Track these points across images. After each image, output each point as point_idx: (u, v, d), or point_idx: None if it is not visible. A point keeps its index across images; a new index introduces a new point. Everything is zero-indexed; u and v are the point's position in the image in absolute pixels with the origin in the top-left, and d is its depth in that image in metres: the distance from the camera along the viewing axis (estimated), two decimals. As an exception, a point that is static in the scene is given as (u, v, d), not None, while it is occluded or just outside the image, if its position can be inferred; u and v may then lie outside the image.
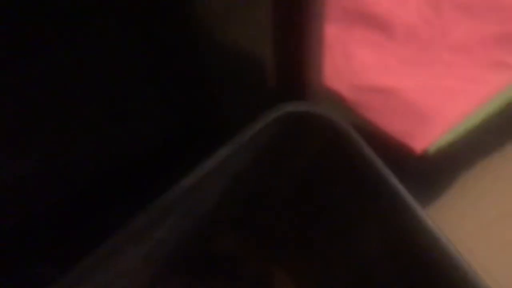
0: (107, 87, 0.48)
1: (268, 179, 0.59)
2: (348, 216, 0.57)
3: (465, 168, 0.73)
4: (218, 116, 0.57)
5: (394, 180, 0.52)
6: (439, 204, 0.71)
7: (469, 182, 0.72)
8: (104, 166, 0.54)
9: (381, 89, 0.72)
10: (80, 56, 0.43)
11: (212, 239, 0.68)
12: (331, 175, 0.56)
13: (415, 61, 0.75)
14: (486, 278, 0.48)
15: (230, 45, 0.50)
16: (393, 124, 0.69)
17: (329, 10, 0.49)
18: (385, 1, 0.78)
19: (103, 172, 0.54)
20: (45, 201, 0.51)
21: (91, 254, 0.47)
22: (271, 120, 0.50)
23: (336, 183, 0.56)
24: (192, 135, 0.57)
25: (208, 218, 0.58)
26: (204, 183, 0.51)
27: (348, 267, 0.61)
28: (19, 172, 0.48)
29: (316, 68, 0.51)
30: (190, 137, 0.57)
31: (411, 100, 0.70)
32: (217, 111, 0.57)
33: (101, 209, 0.54)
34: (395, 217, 0.52)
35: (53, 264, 0.50)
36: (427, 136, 0.67)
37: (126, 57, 0.47)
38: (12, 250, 0.50)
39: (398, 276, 0.55)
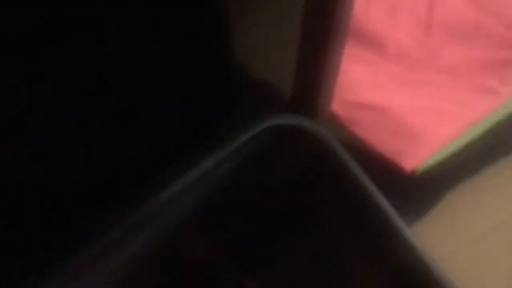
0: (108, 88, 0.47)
1: (248, 191, 0.58)
2: (327, 227, 0.57)
3: (450, 188, 0.74)
4: (214, 128, 0.56)
5: (378, 194, 0.52)
6: (426, 221, 0.72)
7: (453, 202, 0.73)
8: (81, 177, 0.52)
9: (371, 106, 0.72)
10: (91, 53, 0.42)
11: (186, 249, 0.67)
12: (313, 187, 0.56)
13: (405, 81, 0.76)
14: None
15: (253, 58, 0.49)
16: (384, 143, 0.69)
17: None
18: (378, 20, 0.79)
19: (81, 184, 0.52)
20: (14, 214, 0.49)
21: (61, 269, 0.46)
22: (258, 132, 0.50)
23: (317, 196, 0.56)
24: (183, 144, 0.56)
25: (183, 229, 0.57)
26: (183, 196, 0.50)
27: (324, 280, 0.61)
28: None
29: (329, 91, 0.52)
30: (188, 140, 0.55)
31: (402, 119, 0.71)
32: (215, 122, 0.56)
33: (73, 225, 0.52)
34: (374, 229, 0.52)
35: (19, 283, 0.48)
36: (417, 155, 0.68)
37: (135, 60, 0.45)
38: None
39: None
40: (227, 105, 0.52)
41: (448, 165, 0.70)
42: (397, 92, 0.75)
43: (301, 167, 0.55)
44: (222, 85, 0.51)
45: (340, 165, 0.50)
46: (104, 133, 0.50)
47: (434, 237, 0.71)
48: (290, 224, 0.61)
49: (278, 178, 0.57)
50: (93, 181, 0.51)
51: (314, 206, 0.57)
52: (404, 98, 0.74)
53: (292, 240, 0.62)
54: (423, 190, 0.71)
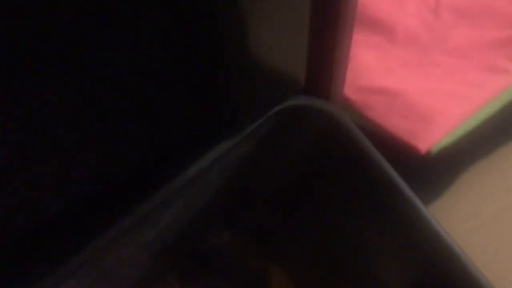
0: (121, 82, 0.48)
1: (268, 170, 0.60)
2: (345, 209, 0.58)
3: (465, 168, 0.75)
4: (233, 111, 0.58)
5: (391, 171, 0.52)
6: (440, 202, 0.72)
7: (468, 181, 0.74)
8: (110, 159, 0.54)
9: (384, 91, 0.73)
10: (95, 59, 0.43)
11: (211, 233, 0.68)
12: (329, 166, 0.57)
13: (416, 64, 0.77)
14: (485, 271, 0.49)
15: (266, 44, 0.50)
16: (398, 125, 0.70)
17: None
18: (386, 5, 0.80)
19: (110, 165, 0.54)
20: (50, 191, 0.51)
21: (93, 240, 0.48)
22: (272, 113, 0.52)
23: (334, 175, 0.57)
24: (204, 126, 0.57)
25: (208, 211, 0.58)
26: (206, 174, 0.52)
27: (345, 262, 0.62)
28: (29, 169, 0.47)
29: (341, 72, 0.53)
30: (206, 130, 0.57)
31: (414, 102, 0.72)
32: (234, 106, 0.57)
33: (104, 200, 0.54)
34: (391, 207, 0.53)
35: (55, 253, 0.50)
36: (431, 137, 0.69)
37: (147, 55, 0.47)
38: (12, 240, 0.50)
39: (395, 268, 0.56)
40: (246, 91, 0.53)
41: (462, 144, 0.71)
42: (408, 75, 0.76)
43: (317, 146, 0.56)
44: (240, 73, 0.52)
45: (354, 143, 0.51)
46: (131, 121, 0.51)
47: (451, 216, 0.72)
48: (309, 206, 0.62)
49: (296, 157, 0.58)
50: (126, 163, 0.53)
51: (331, 185, 0.58)
52: (416, 81, 0.75)
53: (313, 222, 0.63)
54: (438, 170, 0.72)
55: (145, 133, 0.53)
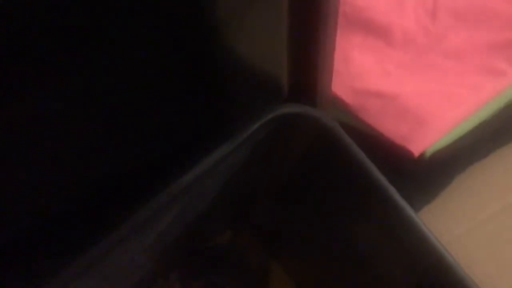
0: (116, 90, 0.49)
1: (263, 176, 0.61)
2: (339, 212, 0.59)
3: (459, 171, 0.75)
4: (223, 118, 0.59)
5: (380, 176, 0.53)
6: (434, 204, 0.73)
7: (462, 184, 0.74)
8: (108, 165, 0.55)
9: (379, 94, 0.74)
10: (97, 60, 0.44)
11: (211, 234, 0.70)
12: (320, 173, 0.58)
13: (413, 67, 0.78)
14: (478, 274, 0.49)
15: (246, 51, 0.51)
16: (392, 128, 0.71)
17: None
18: (383, 8, 0.80)
19: (108, 171, 0.55)
20: (50, 197, 0.52)
21: (94, 246, 0.49)
22: (266, 121, 0.53)
23: (326, 181, 0.58)
24: (197, 134, 0.58)
25: (207, 214, 0.59)
26: (203, 179, 0.53)
27: (345, 262, 0.63)
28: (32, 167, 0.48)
29: (327, 76, 0.53)
30: (195, 135, 0.58)
31: (409, 105, 0.72)
32: (224, 113, 0.58)
33: (103, 206, 0.55)
34: (379, 212, 0.53)
35: (55, 258, 0.51)
36: (425, 140, 0.69)
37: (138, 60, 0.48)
38: (14, 245, 0.51)
39: (391, 270, 0.56)
40: (231, 99, 0.54)
41: (457, 148, 0.72)
42: (404, 78, 0.76)
43: (309, 152, 0.57)
44: (223, 82, 0.53)
45: (344, 150, 0.52)
46: (127, 128, 0.53)
47: (445, 219, 0.72)
48: (307, 207, 0.63)
49: (289, 162, 0.59)
50: (122, 167, 0.54)
51: (324, 190, 0.59)
52: (412, 83, 0.75)
53: (312, 223, 0.64)
54: (432, 173, 0.72)
55: (141, 140, 0.55)
